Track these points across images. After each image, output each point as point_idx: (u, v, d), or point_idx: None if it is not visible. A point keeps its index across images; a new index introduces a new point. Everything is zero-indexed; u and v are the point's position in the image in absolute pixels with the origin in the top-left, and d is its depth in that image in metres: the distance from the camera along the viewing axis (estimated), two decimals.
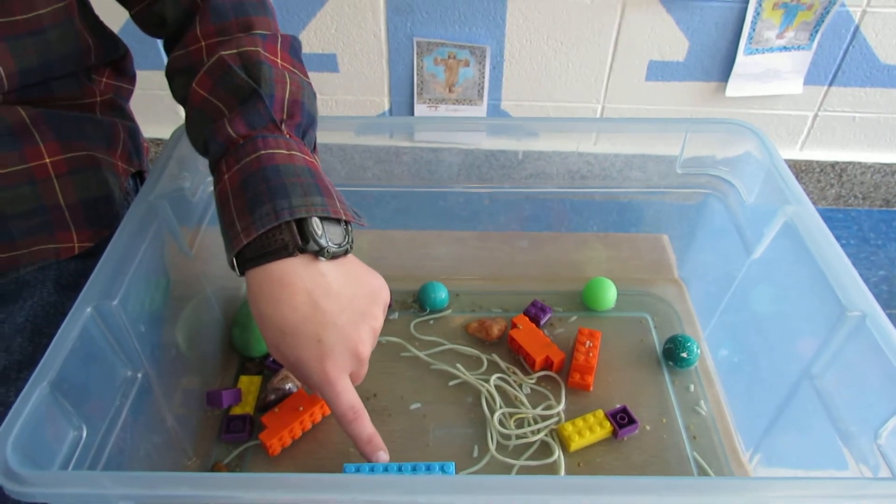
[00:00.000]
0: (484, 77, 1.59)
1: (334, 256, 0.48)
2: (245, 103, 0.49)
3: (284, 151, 0.49)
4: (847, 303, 0.46)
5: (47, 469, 0.40)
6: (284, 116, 0.51)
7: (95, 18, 0.62)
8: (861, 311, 0.45)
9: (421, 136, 0.72)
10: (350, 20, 1.51)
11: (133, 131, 0.68)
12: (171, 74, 0.56)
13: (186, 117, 0.53)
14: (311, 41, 1.55)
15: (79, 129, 0.61)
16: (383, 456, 0.51)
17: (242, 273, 0.48)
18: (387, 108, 1.67)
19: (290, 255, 0.46)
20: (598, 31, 1.50)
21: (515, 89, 1.61)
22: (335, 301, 0.47)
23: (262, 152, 0.48)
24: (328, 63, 1.59)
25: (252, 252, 0.47)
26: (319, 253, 0.47)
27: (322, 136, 0.68)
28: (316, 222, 0.47)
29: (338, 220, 0.49)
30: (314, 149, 0.56)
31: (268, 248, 0.46)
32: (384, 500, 0.36)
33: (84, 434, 0.43)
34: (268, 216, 0.46)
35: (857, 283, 0.47)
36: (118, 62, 0.66)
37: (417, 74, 1.60)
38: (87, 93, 0.62)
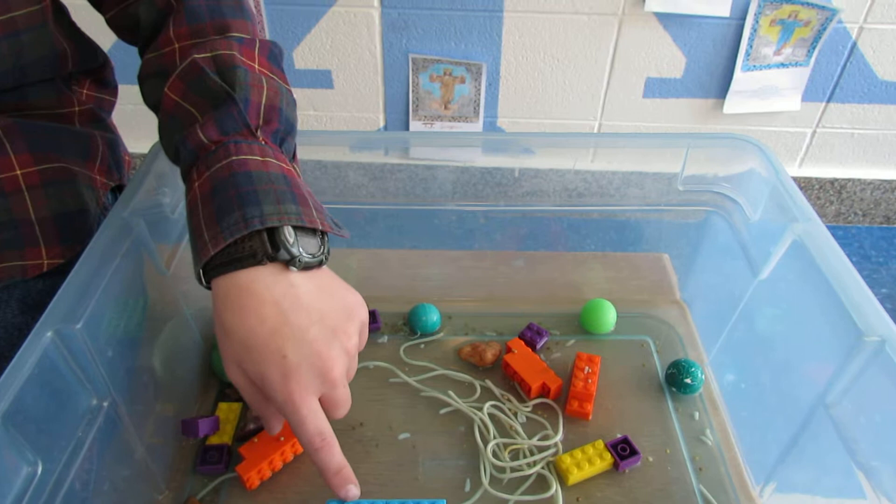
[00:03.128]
0: (480, 94, 1.57)
1: (307, 267, 0.45)
2: (218, 108, 0.47)
3: (258, 158, 0.46)
4: (864, 327, 0.43)
5: None
6: (260, 122, 0.48)
7: (72, 24, 0.60)
8: (880, 336, 0.42)
9: (416, 154, 0.70)
10: (345, 36, 1.50)
11: (113, 143, 0.66)
12: (142, 78, 0.53)
13: (159, 124, 0.50)
14: (306, 57, 1.53)
15: (54, 140, 0.58)
16: (353, 490, 0.47)
17: (209, 284, 0.45)
18: (382, 124, 1.65)
19: (259, 263, 0.43)
20: (594, 47, 1.48)
21: (512, 106, 1.59)
22: (304, 315, 0.44)
23: (234, 158, 0.45)
24: (323, 79, 1.57)
25: (218, 261, 0.44)
26: (290, 262, 0.44)
27: (316, 153, 0.65)
28: (288, 231, 0.44)
29: (313, 231, 0.46)
30: (294, 157, 0.53)
31: (234, 256, 0.43)
32: None
33: (39, 470, 0.40)
34: (237, 225, 0.43)
35: (873, 305, 0.44)
36: (98, 72, 0.64)
37: (413, 91, 1.58)
38: (64, 102, 0.60)
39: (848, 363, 0.44)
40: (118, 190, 0.67)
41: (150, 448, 0.53)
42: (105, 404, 0.47)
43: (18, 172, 0.55)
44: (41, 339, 0.42)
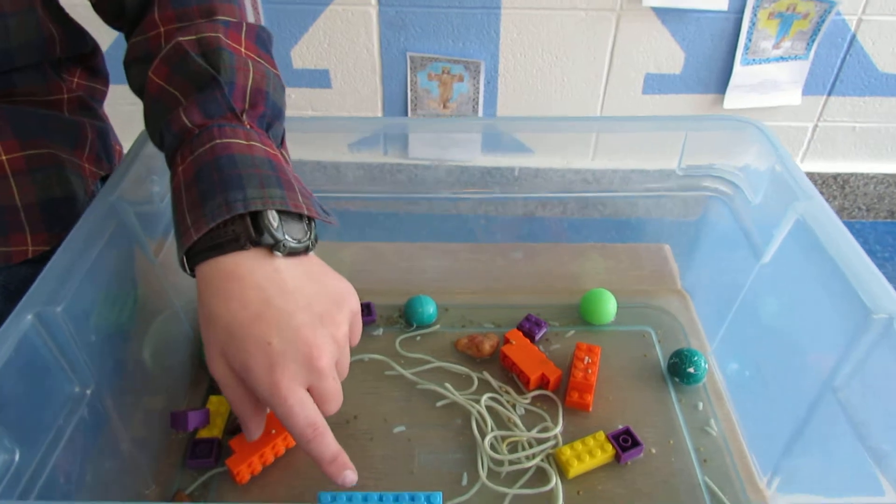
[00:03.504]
0: (478, 92, 1.56)
1: (292, 252, 0.44)
2: (202, 91, 0.46)
3: (243, 142, 0.45)
4: (872, 305, 0.41)
5: None
6: (246, 106, 0.47)
7: (59, 9, 0.59)
8: (888, 314, 0.41)
9: (416, 153, 0.69)
10: (343, 35, 1.49)
11: (103, 132, 0.65)
12: (128, 63, 0.52)
13: (144, 109, 0.49)
14: (304, 56, 1.53)
15: (42, 126, 0.57)
16: (350, 475, 0.45)
17: (192, 270, 0.44)
18: None
19: (242, 247, 0.42)
20: (593, 44, 1.47)
21: (510, 104, 1.58)
22: (291, 300, 0.42)
23: (218, 142, 0.44)
24: (321, 79, 1.56)
25: (201, 246, 0.43)
26: (275, 247, 0.43)
27: (314, 153, 0.64)
28: (273, 215, 0.43)
29: (299, 216, 0.45)
30: (282, 143, 0.52)
31: (217, 240, 0.42)
32: None
33: (17, 457, 0.38)
34: (219, 209, 0.42)
35: (881, 282, 0.43)
36: (88, 59, 0.63)
37: (411, 90, 1.57)
38: (53, 89, 0.59)
39: (855, 343, 0.43)
40: (108, 179, 0.66)
41: (137, 440, 0.51)
42: (88, 392, 0.45)
43: (4, 158, 0.54)
44: (21, 322, 0.40)
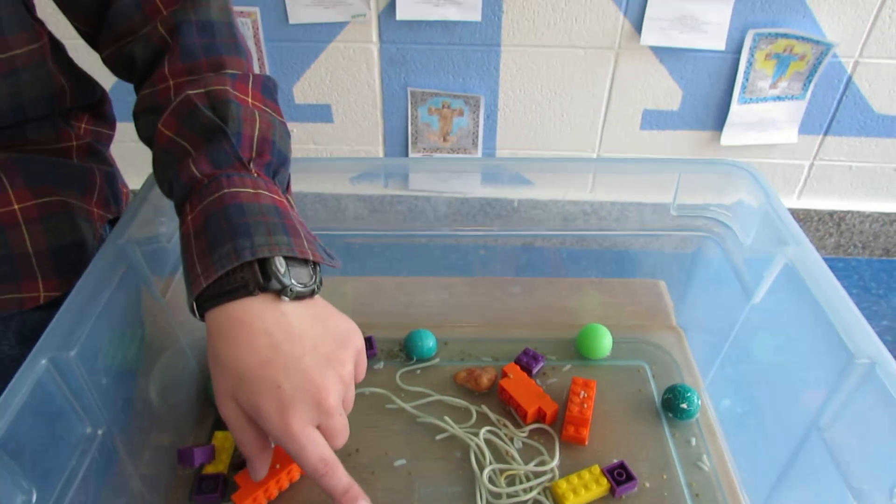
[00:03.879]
0: (478, 126, 1.59)
1: (299, 297, 0.46)
2: (210, 142, 0.48)
3: (250, 190, 0.47)
4: (854, 349, 0.43)
5: None
6: (253, 155, 0.49)
7: (69, 61, 0.61)
8: (870, 359, 0.43)
9: (415, 185, 0.71)
10: (344, 71, 1.53)
11: (111, 176, 0.66)
12: (137, 114, 0.54)
13: (153, 159, 0.51)
14: (306, 92, 1.56)
15: (52, 174, 0.59)
16: None
17: (202, 316, 0.45)
18: (381, 157, 1.67)
19: (251, 293, 0.44)
20: (591, 80, 1.51)
21: (510, 139, 1.61)
22: (298, 344, 0.44)
23: (226, 191, 0.46)
24: (323, 113, 1.60)
25: (211, 293, 0.44)
26: (282, 292, 0.45)
27: (315, 185, 0.66)
28: (280, 261, 0.44)
29: (305, 261, 0.47)
30: (287, 189, 0.54)
31: (227, 287, 0.44)
32: None
33: (34, 498, 0.40)
34: (228, 256, 0.43)
35: (863, 328, 0.44)
36: (96, 106, 0.65)
37: (412, 124, 1.60)
38: (62, 137, 0.61)
39: (840, 386, 0.45)
40: (115, 222, 0.68)
41: (145, 477, 0.53)
42: (100, 433, 0.47)
43: (16, 207, 0.56)
44: (35, 367, 0.42)
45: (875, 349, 0.43)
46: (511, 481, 0.56)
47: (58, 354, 0.43)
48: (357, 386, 0.64)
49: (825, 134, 1.56)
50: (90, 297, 0.48)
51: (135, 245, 0.53)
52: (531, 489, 0.55)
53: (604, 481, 0.55)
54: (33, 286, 0.57)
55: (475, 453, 0.58)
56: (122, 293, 0.50)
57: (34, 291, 0.57)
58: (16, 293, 0.57)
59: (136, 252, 0.53)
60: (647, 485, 0.57)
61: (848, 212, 1.66)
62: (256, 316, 0.44)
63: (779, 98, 1.49)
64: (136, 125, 0.55)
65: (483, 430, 0.60)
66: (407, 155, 1.65)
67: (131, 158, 0.79)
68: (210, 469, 0.57)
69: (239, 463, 0.57)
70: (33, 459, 0.40)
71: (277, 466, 0.55)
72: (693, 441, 0.60)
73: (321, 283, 0.48)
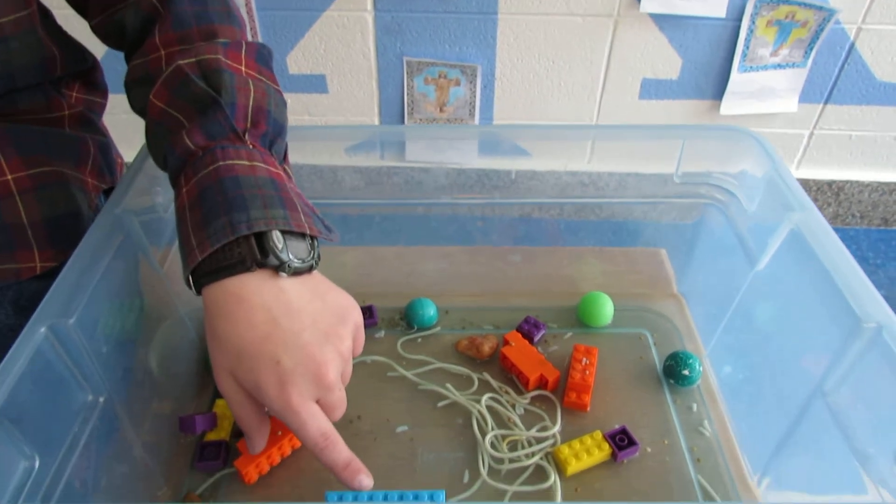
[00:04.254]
0: (475, 96, 1.57)
1: (296, 272, 0.45)
2: (204, 113, 0.47)
3: (245, 162, 0.46)
4: (862, 314, 0.43)
5: None
6: (248, 126, 0.48)
7: (59, 28, 0.59)
8: (877, 323, 0.42)
9: (412, 156, 0.70)
10: (339, 40, 1.50)
11: (105, 146, 0.65)
12: (129, 85, 0.53)
13: (146, 131, 0.50)
14: (300, 62, 1.54)
15: (45, 144, 0.58)
16: (365, 480, 0.47)
17: (199, 291, 0.45)
18: None
19: (248, 269, 0.43)
20: (590, 49, 1.49)
21: (507, 109, 1.60)
22: (296, 319, 0.44)
23: (221, 163, 0.45)
24: (317, 84, 1.57)
25: (207, 268, 0.44)
26: (280, 268, 0.44)
27: (311, 157, 0.65)
28: (277, 236, 0.44)
29: (302, 235, 0.46)
30: (285, 159, 0.53)
31: (224, 262, 0.43)
32: None
33: (37, 464, 0.40)
34: (223, 230, 0.43)
35: (871, 292, 0.44)
36: (87, 74, 0.64)
37: (408, 94, 1.58)
38: (54, 106, 0.60)
39: (845, 350, 0.44)
40: (111, 192, 0.67)
41: (147, 445, 0.52)
42: (101, 400, 0.46)
43: (9, 177, 0.55)
44: (35, 335, 0.41)
45: (882, 313, 0.43)
46: (513, 447, 0.57)
47: (57, 322, 0.42)
48: (358, 355, 0.64)
49: (826, 102, 1.54)
50: (88, 265, 0.47)
51: (131, 214, 0.52)
52: (533, 454, 0.56)
53: (606, 446, 0.55)
54: (29, 256, 0.57)
55: (477, 420, 0.58)
56: (119, 262, 0.50)
57: (30, 262, 0.57)
58: (12, 263, 0.56)
59: (133, 221, 0.52)
60: (649, 450, 0.57)
61: (847, 181, 1.66)
62: (254, 292, 0.43)
63: (779, 66, 1.48)
64: (128, 96, 0.54)
65: (485, 397, 0.60)
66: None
67: (123, 130, 0.78)
68: (212, 436, 0.57)
69: (241, 430, 0.57)
70: (35, 427, 0.40)
71: (279, 433, 0.55)
72: (694, 407, 0.61)
73: (319, 257, 0.47)
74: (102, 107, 0.68)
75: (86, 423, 0.45)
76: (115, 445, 0.49)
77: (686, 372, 0.61)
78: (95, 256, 0.48)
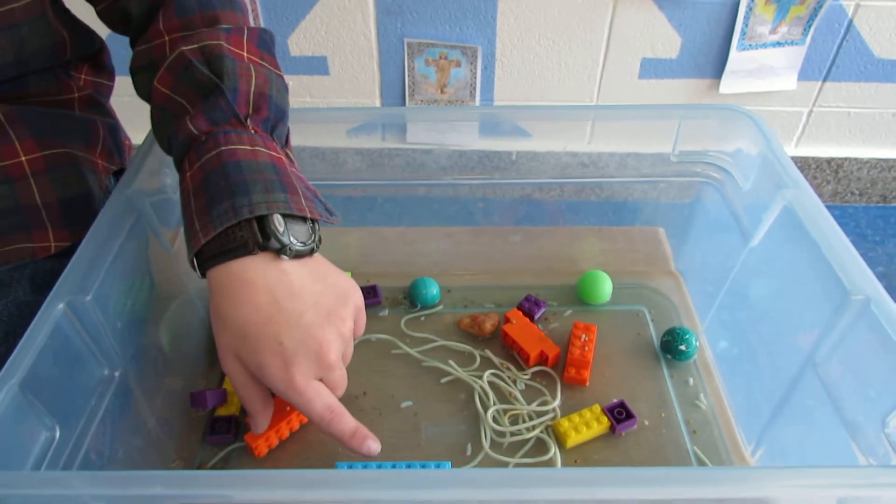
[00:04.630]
0: (476, 77, 1.58)
1: (298, 255, 0.46)
2: (207, 99, 0.48)
3: (247, 147, 0.47)
4: (850, 286, 0.44)
5: (18, 470, 0.38)
6: (250, 111, 0.49)
7: (67, 12, 0.60)
8: (865, 295, 0.44)
9: (414, 138, 0.71)
10: (340, 22, 1.50)
11: (113, 128, 0.67)
12: (134, 71, 0.54)
13: (151, 116, 0.52)
14: (301, 44, 1.54)
15: (56, 126, 0.59)
16: (373, 445, 0.48)
17: (203, 273, 0.46)
18: None
19: (250, 252, 0.45)
20: (589, 28, 1.49)
21: (508, 89, 1.60)
22: (298, 301, 0.45)
23: (223, 148, 0.46)
24: (318, 66, 1.58)
25: (211, 251, 0.45)
26: (281, 251, 0.45)
27: (313, 139, 0.66)
28: (278, 219, 0.45)
29: (303, 218, 0.47)
30: (287, 143, 0.54)
31: (227, 246, 0.45)
32: (381, 498, 0.34)
33: (57, 435, 0.41)
34: (226, 214, 0.44)
35: (859, 266, 0.46)
36: (95, 57, 0.65)
37: (409, 75, 1.58)
38: (64, 89, 0.61)
39: (835, 322, 0.46)
40: (120, 174, 0.68)
41: (161, 419, 0.54)
42: (116, 374, 0.48)
43: (23, 159, 0.56)
44: (53, 311, 0.43)
45: (870, 286, 0.44)
46: (514, 420, 0.58)
47: (74, 298, 0.44)
48: (363, 332, 0.66)
49: (824, 80, 1.55)
50: (102, 245, 0.48)
51: (142, 195, 0.53)
52: (534, 428, 0.57)
53: (604, 420, 0.57)
54: (44, 236, 0.58)
55: (479, 395, 0.60)
56: (132, 242, 0.51)
57: (45, 241, 0.58)
58: (28, 243, 0.58)
59: (143, 202, 0.53)
60: (647, 423, 0.59)
61: (846, 158, 1.67)
62: (258, 274, 0.45)
63: (778, 44, 1.48)
64: (133, 82, 0.55)
65: (487, 373, 0.62)
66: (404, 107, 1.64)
67: (129, 113, 0.79)
68: (222, 411, 0.59)
69: None
70: (55, 399, 0.42)
71: (288, 408, 0.57)
72: (690, 381, 0.62)
73: (320, 240, 0.49)
74: (110, 89, 0.69)
75: (102, 396, 0.47)
76: (129, 419, 0.51)
77: (683, 347, 0.63)
78: (109, 236, 0.49)
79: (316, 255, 0.49)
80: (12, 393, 0.38)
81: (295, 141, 0.57)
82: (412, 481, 0.34)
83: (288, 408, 0.57)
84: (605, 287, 0.69)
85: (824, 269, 0.47)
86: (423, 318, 0.69)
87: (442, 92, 1.62)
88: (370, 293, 0.69)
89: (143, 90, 0.54)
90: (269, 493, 0.33)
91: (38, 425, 0.40)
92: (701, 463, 0.56)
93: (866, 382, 0.45)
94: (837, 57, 1.50)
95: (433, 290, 0.69)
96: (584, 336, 0.63)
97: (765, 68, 1.51)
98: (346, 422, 0.48)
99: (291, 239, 0.46)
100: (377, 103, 1.64)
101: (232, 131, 0.47)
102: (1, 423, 0.37)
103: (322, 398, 0.46)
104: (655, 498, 0.34)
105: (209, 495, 0.33)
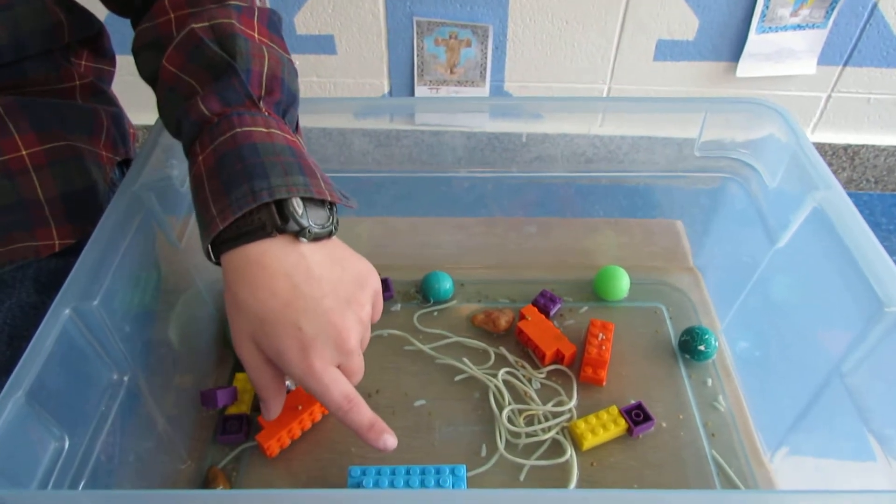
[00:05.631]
0: (486, 57, 1.54)
1: (316, 238, 0.45)
2: (219, 79, 0.46)
3: (263, 129, 0.45)
4: (885, 298, 0.43)
5: (27, 485, 0.37)
6: (263, 93, 0.47)
7: None
8: None
9: (422, 119, 0.69)
10: (347, 0, 1.47)
11: (117, 117, 0.65)
12: (137, 50, 0.52)
13: (158, 97, 0.49)
14: (308, 22, 1.51)
15: (58, 117, 0.57)
16: (390, 440, 0.47)
17: (218, 258, 0.45)
18: (386, 90, 1.63)
19: (269, 235, 0.43)
20: (604, 8, 1.45)
21: (519, 70, 1.57)
22: (317, 286, 0.44)
23: (238, 130, 0.44)
24: (325, 45, 1.54)
25: (227, 235, 0.43)
26: (300, 234, 0.44)
27: (320, 120, 0.65)
28: (297, 202, 0.43)
29: (322, 202, 0.46)
30: (297, 129, 0.52)
31: (244, 229, 0.43)
32: None
33: (66, 444, 0.40)
34: (245, 197, 0.42)
35: (894, 276, 0.44)
36: (95, 41, 0.63)
37: (418, 55, 1.55)
38: (65, 76, 0.59)
39: (867, 333, 0.44)
40: (125, 164, 0.66)
41: (170, 419, 0.53)
42: (125, 378, 0.47)
43: (24, 153, 0.55)
44: (59, 317, 0.42)
45: None
46: (530, 421, 0.57)
47: (80, 304, 0.43)
48: (375, 328, 0.65)
49: (845, 65, 1.51)
50: (108, 245, 0.47)
51: (149, 191, 0.52)
52: (550, 429, 0.56)
53: (622, 422, 0.56)
54: (47, 234, 0.57)
55: (494, 394, 0.59)
56: (138, 240, 0.50)
57: (49, 239, 0.57)
58: (31, 241, 0.56)
59: (151, 198, 0.52)
60: (664, 424, 0.57)
61: (862, 146, 1.63)
62: (275, 258, 0.44)
63: (799, 27, 1.44)
64: (136, 62, 0.53)
65: (501, 372, 0.60)
66: (413, 87, 1.61)
67: (131, 94, 0.77)
68: (233, 410, 0.58)
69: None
70: (63, 407, 0.41)
71: (299, 407, 0.56)
72: (709, 382, 0.61)
73: (338, 223, 0.47)
74: (111, 75, 0.67)
75: (112, 401, 0.46)
76: (139, 421, 0.50)
77: (702, 347, 0.61)
78: (115, 236, 0.48)
79: (333, 238, 0.47)
80: (19, 405, 0.37)
81: (303, 121, 0.55)
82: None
83: (300, 407, 0.56)
84: (622, 283, 0.68)
85: (856, 278, 0.45)
86: (436, 314, 0.68)
87: (452, 72, 1.58)
88: (382, 287, 0.68)
89: (148, 70, 0.51)
90: None
91: (47, 436, 0.39)
92: (719, 468, 0.54)
93: None
94: (860, 41, 1.46)
95: (446, 284, 0.68)
96: (601, 335, 0.62)
97: (784, 52, 1.48)
98: (364, 413, 0.47)
99: (310, 221, 0.44)
100: (385, 84, 1.61)
101: (246, 113, 0.46)
102: (8, 436, 0.36)
103: (340, 385, 0.45)
104: None
105: None
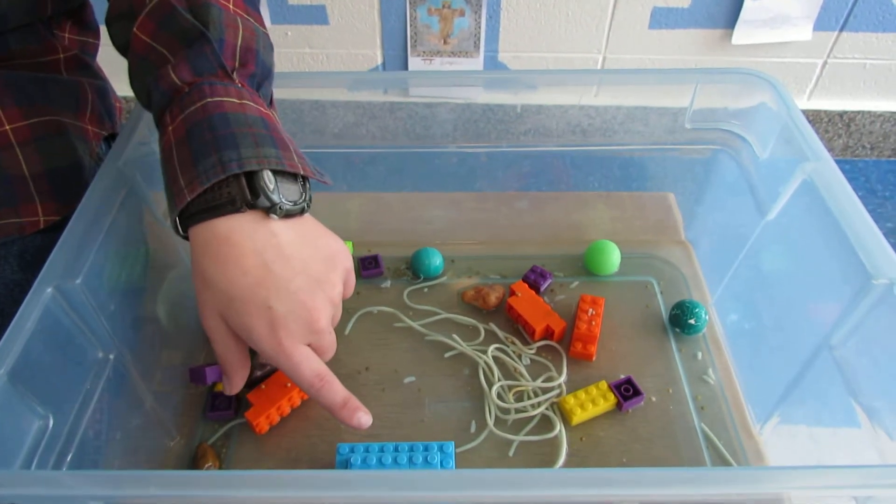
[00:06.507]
0: (480, 27, 1.52)
1: (288, 214, 0.44)
2: (191, 47, 0.44)
3: (235, 100, 0.44)
4: (873, 270, 0.43)
5: (10, 465, 0.37)
6: (236, 64, 0.46)
7: None
8: (889, 280, 0.42)
9: (416, 91, 0.68)
10: None
11: (102, 90, 0.64)
12: (110, 20, 0.51)
13: (129, 67, 0.48)
14: None
15: (42, 92, 0.56)
16: (364, 417, 0.47)
17: (185, 232, 0.44)
18: (380, 61, 1.60)
19: (238, 210, 0.42)
20: None
21: (513, 40, 1.55)
22: (288, 265, 0.43)
23: (209, 100, 0.43)
24: (317, 15, 1.52)
25: (195, 208, 0.42)
26: (271, 210, 0.43)
27: (313, 93, 0.63)
28: (268, 176, 0.42)
29: (294, 177, 0.45)
30: (271, 104, 0.51)
31: (213, 202, 0.42)
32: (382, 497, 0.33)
33: (51, 423, 0.40)
34: (213, 169, 0.41)
35: (884, 248, 0.44)
36: (78, 13, 0.61)
37: (411, 25, 1.53)
38: (48, 49, 0.58)
39: (855, 305, 0.44)
40: (111, 139, 0.65)
41: (158, 396, 0.53)
42: (111, 357, 0.47)
43: (8, 128, 0.54)
44: (42, 296, 0.41)
45: (894, 270, 0.42)
46: (519, 397, 0.57)
47: (63, 282, 0.42)
48: (366, 304, 0.65)
49: (841, 30, 1.49)
50: (92, 222, 0.46)
51: (133, 167, 0.51)
52: (539, 405, 0.56)
53: (611, 396, 0.56)
54: (32, 210, 0.56)
55: (483, 370, 0.59)
56: (123, 216, 0.49)
57: (33, 216, 0.56)
58: (15, 218, 0.56)
59: (135, 174, 0.51)
60: (653, 398, 0.58)
61: (858, 112, 1.62)
62: (245, 235, 0.43)
63: None
64: (108, 32, 0.51)
65: (491, 348, 0.60)
66: (406, 59, 1.59)
67: (117, 66, 0.75)
68: (222, 386, 0.58)
69: (251, 381, 0.58)
70: (47, 385, 0.41)
71: (288, 384, 0.56)
72: (699, 355, 0.61)
73: (311, 200, 0.46)
74: (96, 48, 0.66)
75: (97, 379, 0.46)
76: (127, 399, 0.50)
77: (692, 321, 0.61)
78: (99, 212, 0.47)
79: (306, 215, 0.46)
80: (1, 384, 0.37)
81: (295, 94, 0.54)
82: (411, 483, 0.33)
83: (288, 384, 0.56)
84: (612, 258, 0.67)
85: (845, 250, 0.45)
86: (426, 290, 0.67)
87: (445, 42, 1.56)
88: (372, 263, 0.68)
89: (120, 39, 0.50)
90: (266, 494, 0.32)
91: (30, 415, 0.39)
92: (708, 440, 0.55)
93: (886, 368, 0.43)
94: (855, 6, 1.44)
95: (436, 260, 0.68)
96: (591, 310, 0.62)
97: (780, 18, 1.45)
98: (337, 391, 0.47)
99: (281, 197, 0.43)
100: (378, 54, 1.59)
101: (218, 83, 0.44)
102: None
103: (311, 363, 0.45)
104: (663, 501, 0.33)
105: (206, 496, 0.32)
